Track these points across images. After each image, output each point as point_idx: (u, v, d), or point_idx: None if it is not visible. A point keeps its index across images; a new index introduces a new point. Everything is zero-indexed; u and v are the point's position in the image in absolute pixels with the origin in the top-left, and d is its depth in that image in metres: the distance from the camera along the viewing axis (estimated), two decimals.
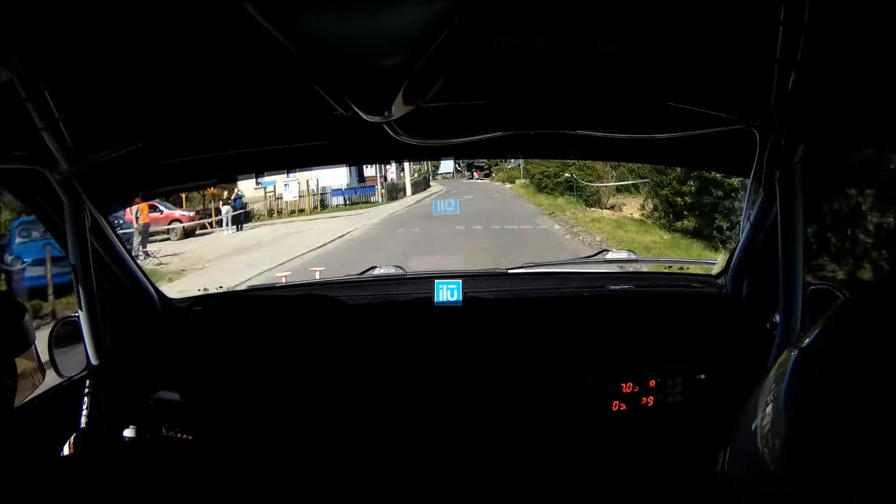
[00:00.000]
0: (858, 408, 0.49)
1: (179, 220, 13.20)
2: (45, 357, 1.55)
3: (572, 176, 14.25)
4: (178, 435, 1.70)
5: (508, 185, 18.61)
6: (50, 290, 7.99)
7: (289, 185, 15.65)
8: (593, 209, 13.53)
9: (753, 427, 0.59)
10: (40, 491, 1.19)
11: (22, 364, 1.03)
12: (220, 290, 2.17)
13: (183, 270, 9.77)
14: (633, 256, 2.16)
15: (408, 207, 15.61)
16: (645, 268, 2.18)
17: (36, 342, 1.10)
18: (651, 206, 12.07)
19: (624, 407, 1.67)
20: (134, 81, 1.26)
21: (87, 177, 1.46)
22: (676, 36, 1.16)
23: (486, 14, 0.96)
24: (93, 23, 1.03)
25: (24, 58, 1.06)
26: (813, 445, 0.50)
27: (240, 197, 14.69)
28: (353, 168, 14.92)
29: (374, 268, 2.11)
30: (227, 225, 14.15)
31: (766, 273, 1.50)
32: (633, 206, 13.00)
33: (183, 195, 13.04)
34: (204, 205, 14.92)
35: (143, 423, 1.68)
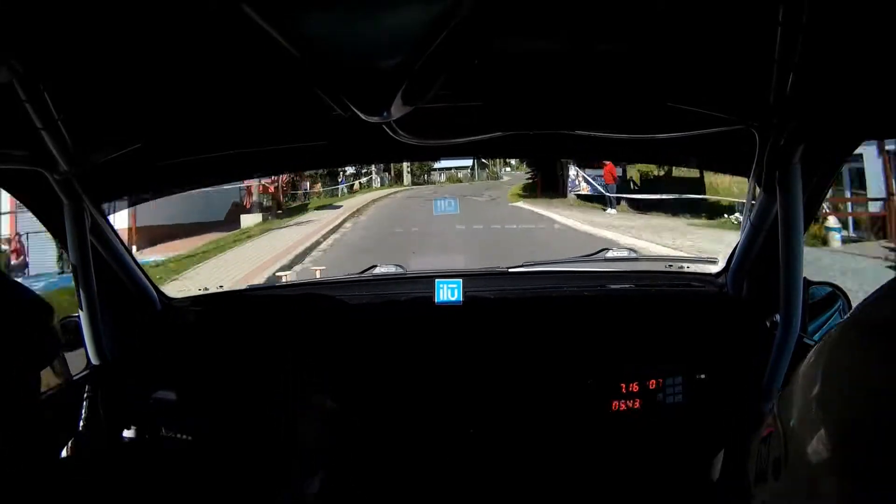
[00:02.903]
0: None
1: None
2: None
3: None
4: (178, 435, 1.70)
5: None
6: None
7: None
8: None
9: (791, 423, 0.57)
10: (41, 490, 1.19)
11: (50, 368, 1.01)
12: (221, 290, 2.17)
13: None
14: (633, 255, 2.16)
15: None
16: (645, 266, 2.17)
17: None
18: None
19: (624, 406, 1.67)
20: (133, 82, 1.26)
21: (86, 177, 1.46)
22: (676, 36, 1.16)
23: (486, 15, 0.96)
24: (92, 23, 1.03)
25: (23, 58, 1.06)
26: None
27: None
28: None
29: (374, 267, 2.11)
30: None
31: (767, 272, 1.50)
32: None
33: None
34: None
35: (143, 423, 1.68)
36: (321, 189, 18.48)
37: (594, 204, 13.81)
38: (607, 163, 12.24)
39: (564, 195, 15.20)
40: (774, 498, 0.59)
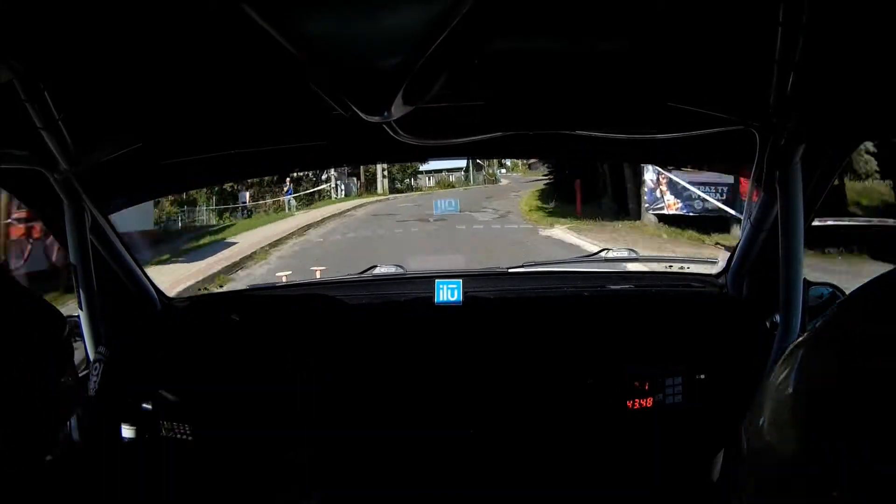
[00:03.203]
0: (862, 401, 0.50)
1: None
2: None
3: None
4: (177, 435, 1.70)
5: None
6: None
7: None
8: None
9: (761, 422, 0.60)
10: (40, 490, 1.20)
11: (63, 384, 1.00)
12: (221, 290, 2.17)
13: None
14: (633, 255, 2.16)
15: None
16: (645, 267, 2.17)
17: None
18: None
19: (623, 407, 1.67)
20: (133, 82, 1.26)
21: (87, 177, 1.46)
22: (677, 36, 1.16)
23: (486, 14, 0.96)
24: (92, 23, 1.03)
25: (23, 58, 1.07)
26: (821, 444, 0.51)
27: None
28: None
29: (374, 267, 2.11)
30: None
31: (767, 273, 1.50)
32: None
33: None
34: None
35: (143, 423, 1.68)
36: (284, 199, 13.06)
37: (699, 234, 8.11)
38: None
39: (633, 215, 9.43)
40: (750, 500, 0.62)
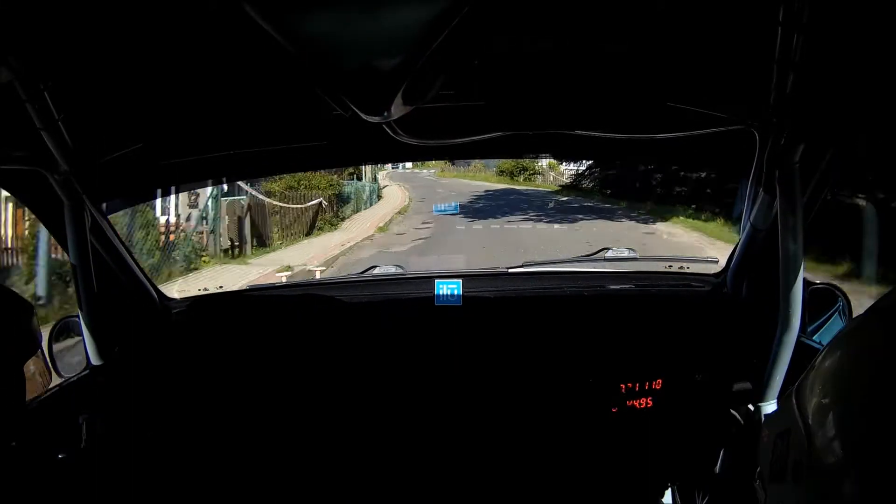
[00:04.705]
0: None
1: None
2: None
3: None
4: (176, 435, 1.70)
5: None
6: None
7: None
8: None
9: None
10: (38, 490, 1.19)
11: (30, 366, 1.01)
12: (220, 290, 2.17)
13: None
14: (633, 255, 2.15)
15: None
16: (645, 267, 2.17)
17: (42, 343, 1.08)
18: None
19: (624, 406, 1.67)
20: (134, 82, 1.26)
21: (87, 177, 1.46)
22: (676, 37, 1.17)
23: (486, 14, 0.96)
24: (92, 23, 1.03)
25: (23, 58, 1.07)
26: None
27: None
28: None
29: (374, 267, 2.11)
30: None
31: (767, 273, 1.50)
32: None
33: None
34: None
35: (142, 423, 1.68)
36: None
37: None
38: None
39: None
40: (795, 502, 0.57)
